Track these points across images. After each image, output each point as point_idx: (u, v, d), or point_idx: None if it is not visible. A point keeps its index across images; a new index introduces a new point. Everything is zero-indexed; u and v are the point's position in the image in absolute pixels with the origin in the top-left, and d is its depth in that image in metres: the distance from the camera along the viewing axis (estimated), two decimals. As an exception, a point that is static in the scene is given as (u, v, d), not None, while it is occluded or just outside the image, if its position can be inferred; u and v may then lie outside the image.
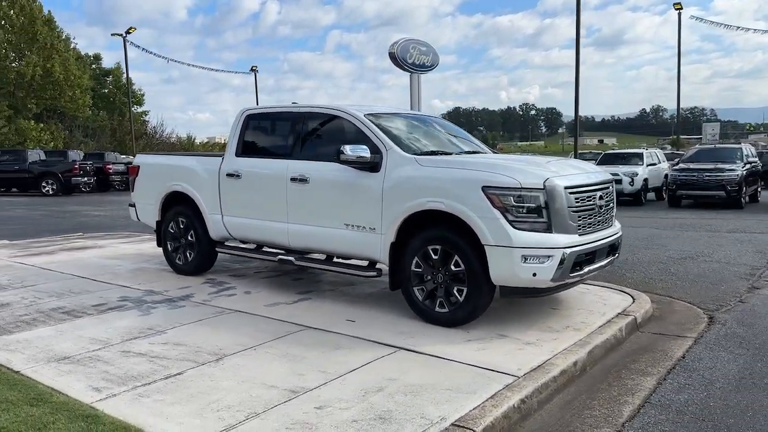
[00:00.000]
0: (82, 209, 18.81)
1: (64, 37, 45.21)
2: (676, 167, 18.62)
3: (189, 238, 7.13)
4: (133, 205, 7.90)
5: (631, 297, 6.08)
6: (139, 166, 7.76)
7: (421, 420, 3.38)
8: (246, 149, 6.60)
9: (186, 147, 50.80)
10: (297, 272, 7.31)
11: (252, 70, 46.62)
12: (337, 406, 3.57)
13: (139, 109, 55.00)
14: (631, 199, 19.22)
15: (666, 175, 19.83)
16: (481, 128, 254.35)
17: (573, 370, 4.30)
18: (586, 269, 5.00)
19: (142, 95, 55.51)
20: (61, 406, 3.55)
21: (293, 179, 5.95)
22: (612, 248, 5.48)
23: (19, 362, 4.35)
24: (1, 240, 11.09)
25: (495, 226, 4.69)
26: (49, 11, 42.27)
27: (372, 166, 5.42)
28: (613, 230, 5.49)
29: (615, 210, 5.68)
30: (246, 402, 3.64)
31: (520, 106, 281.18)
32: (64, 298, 6.22)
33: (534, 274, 4.67)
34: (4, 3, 39.75)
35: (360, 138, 5.60)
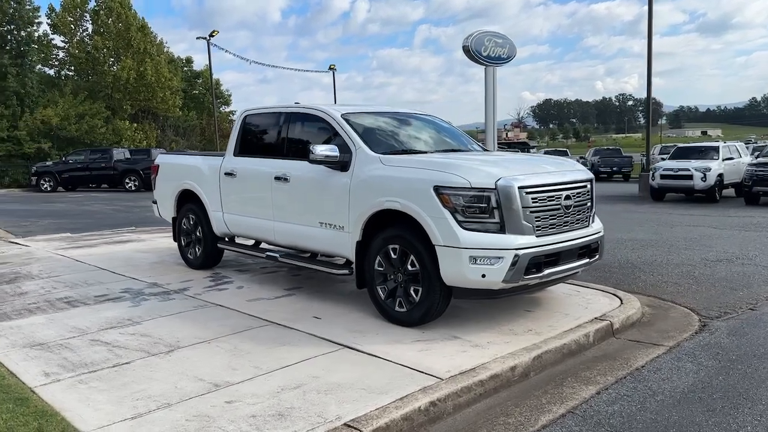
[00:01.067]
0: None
1: (157, 42, 47.97)
2: (754, 162, 17.29)
3: (197, 234, 7.48)
4: (155, 203, 8.37)
5: (620, 301, 5.79)
6: (158, 166, 8.21)
7: (316, 418, 3.43)
8: (242, 149, 6.83)
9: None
10: (297, 268, 7.48)
11: (330, 68, 47.50)
12: (246, 401, 3.68)
13: (227, 109, 57.48)
14: (703, 196, 18.08)
15: (746, 171, 18.47)
16: (574, 120, 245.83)
17: (509, 374, 4.17)
18: (547, 271, 4.81)
19: (229, 96, 58.02)
20: (3, 389, 3.88)
21: (277, 178, 6.12)
22: (588, 250, 5.25)
23: (-2, 347, 4.77)
24: (63, 233, 12.04)
25: (444, 226, 4.63)
26: (142, 18, 44.98)
27: (342, 165, 5.47)
28: (589, 231, 5.25)
29: (593, 210, 5.41)
30: (167, 393, 3.82)
31: (616, 96, 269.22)
32: (76, 288, 6.71)
33: (483, 276, 4.57)
34: (101, 12, 42.75)
35: (335, 137, 5.68)
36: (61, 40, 43.67)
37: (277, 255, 6.33)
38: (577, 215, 5.12)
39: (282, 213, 6.16)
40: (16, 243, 10.52)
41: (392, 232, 5.05)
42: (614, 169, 33.89)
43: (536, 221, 4.73)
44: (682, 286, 6.83)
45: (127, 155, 28.28)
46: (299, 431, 3.28)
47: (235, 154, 6.87)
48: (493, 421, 3.64)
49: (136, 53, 43.52)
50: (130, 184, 26.68)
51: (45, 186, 26.93)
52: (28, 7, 41.60)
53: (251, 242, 7.29)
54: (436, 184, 4.69)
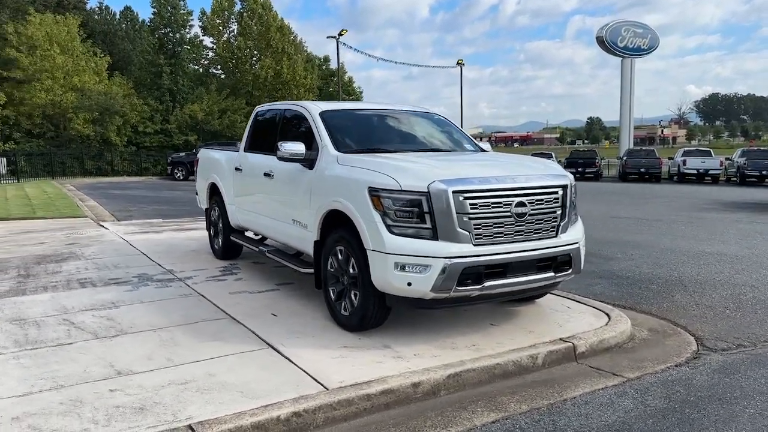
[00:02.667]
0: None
1: (296, 42, 50.48)
2: None
3: (220, 225, 7.78)
4: (197, 194, 8.83)
5: (607, 321, 5.15)
6: (198, 159, 8.65)
7: (168, 416, 3.43)
8: (250, 145, 7.00)
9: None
10: (307, 264, 7.51)
11: (458, 63, 47.21)
12: (127, 392, 3.76)
13: (358, 105, 59.04)
14: None
15: None
16: (744, 117, 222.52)
17: (409, 391, 3.88)
18: (489, 283, 4.39)
19: (361, 93, 59.63)
20: (-54, 358, 4.31)
21: (265, 174, 6.19)
22: (554, 263, 4.71)
23: (-14, 319, 5.31)
24: (154, 218, 13.13)
25: (373, 230, 4.41)
26: (281, 18, 47.56)
27: (309, 163, 5.41)
28: (555, 242, 4.70)
29: (567, 219, 4.82)
30: (71, 376, 4.02)
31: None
32: (102, 271, 7.28)
33: (409, 284, 4.29)
34: (245, 14, 45.82)
35: (310, 135, 5.63)
36: (210, 41, 47.47)
37: (266, 250, 6.41)
38: (537, 224, 4.62)
39: (268, 208, 6.24)
40: (102, 225, 11.64)
41: (338, 234, 4.91)
42: (764, 172, 30.22)
43: (476, 228, 4.34)
44: (714, 310, 5.93)
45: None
46: (141, 427, 3.30)
47: (245, 150, 7.05)
48: (355, 439, 3.41)
49: (274, 53, 46.12)
50: (249, 176, 28.40)
51: (178, 175, 29.51)
52: (182, 11, 45.72)
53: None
54: (370, 186, 4.48)
